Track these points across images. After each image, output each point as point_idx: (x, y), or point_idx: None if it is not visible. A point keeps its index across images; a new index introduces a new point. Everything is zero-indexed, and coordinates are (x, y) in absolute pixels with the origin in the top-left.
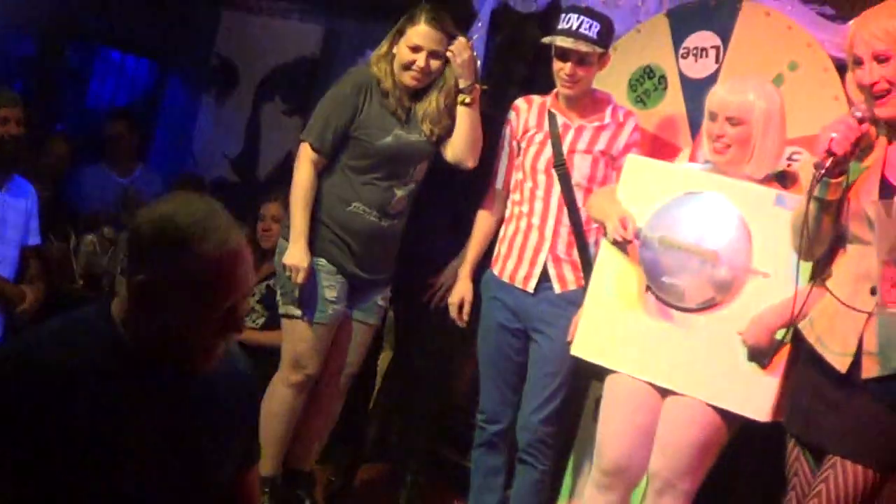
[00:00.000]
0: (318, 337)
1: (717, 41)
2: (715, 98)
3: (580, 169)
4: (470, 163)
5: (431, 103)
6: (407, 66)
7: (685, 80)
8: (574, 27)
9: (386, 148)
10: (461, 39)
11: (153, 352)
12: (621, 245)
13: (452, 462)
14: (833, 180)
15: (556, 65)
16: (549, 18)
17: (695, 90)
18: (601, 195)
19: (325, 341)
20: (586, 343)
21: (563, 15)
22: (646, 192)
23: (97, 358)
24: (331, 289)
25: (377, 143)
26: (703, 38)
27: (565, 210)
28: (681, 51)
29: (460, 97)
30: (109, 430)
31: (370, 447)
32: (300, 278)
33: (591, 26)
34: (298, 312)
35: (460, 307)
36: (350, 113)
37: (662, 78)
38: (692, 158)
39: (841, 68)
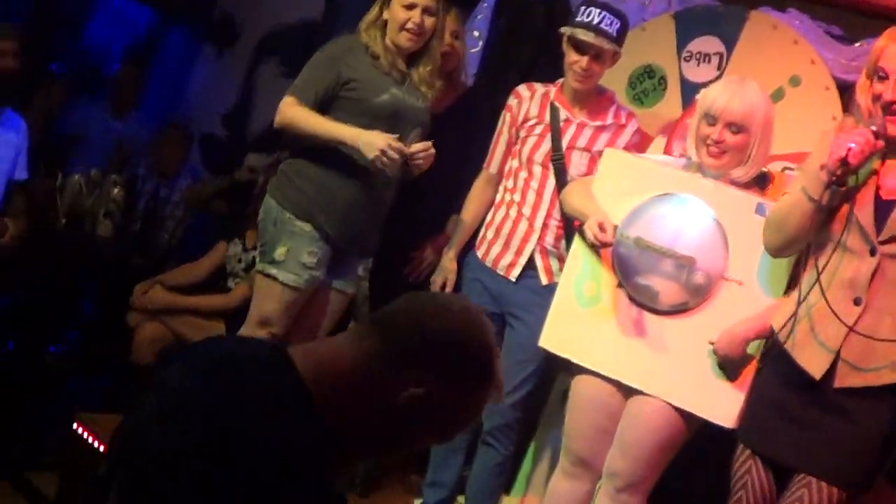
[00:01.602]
0: (288, 299)
1: (722, 48)
2: (717, 103)
3: (577, 166)
4: None
5: (427, 65)
6: (402, 26)
7: (685, 84)
8: (595, 21)
9: (384, 105)
10: (428, 144)
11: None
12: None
13: None
14: (840, 188)
15: (571, 57)
16: (554, 6)
17: (694, 94)
18: (576, 191)
19: (296, 305)
20: (554, 336)
21: (582, 7)
22: (622, 188)
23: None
24: (311, 255)
25: (375, 101)
26: (708, 44)
27: (558, 204)
28: (684, 53)
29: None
30: None
31: None
32: (390, 143)
33: (611, 23)
34: (274, 272)
35: (442, 287)
36: (334, 72)
37: (662, 79)
38: (667, 150)
39: (842, 88)
